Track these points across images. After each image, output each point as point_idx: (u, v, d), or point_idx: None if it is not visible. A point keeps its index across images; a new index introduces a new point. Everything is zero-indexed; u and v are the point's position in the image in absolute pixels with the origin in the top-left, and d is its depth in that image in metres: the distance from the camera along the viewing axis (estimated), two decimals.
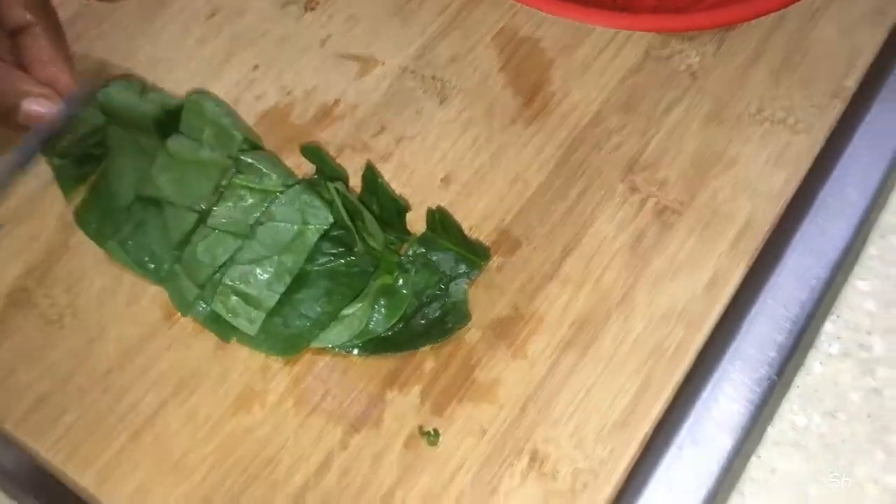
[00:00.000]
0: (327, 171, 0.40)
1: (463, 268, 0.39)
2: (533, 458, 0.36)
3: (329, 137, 0.44)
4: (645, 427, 0.36)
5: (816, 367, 0.42)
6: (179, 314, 0.38)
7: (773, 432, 0.40)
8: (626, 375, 0.37)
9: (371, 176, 0.40)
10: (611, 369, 0.38)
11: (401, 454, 0.36)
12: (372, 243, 0.38)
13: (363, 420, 0.36)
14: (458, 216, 0.41)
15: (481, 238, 0.40)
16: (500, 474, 0.35)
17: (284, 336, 0.37)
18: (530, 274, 0.40)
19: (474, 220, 0.41)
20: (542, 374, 0.37)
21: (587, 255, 0.40)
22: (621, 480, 0.36)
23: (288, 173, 0.40)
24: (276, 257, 0.38)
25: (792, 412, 0.41)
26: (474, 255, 0.39)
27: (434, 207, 0.40)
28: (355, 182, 0.42)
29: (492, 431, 0.36)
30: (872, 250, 0.45)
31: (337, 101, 0.44)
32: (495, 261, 0.40)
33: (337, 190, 0.37)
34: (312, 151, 0.39)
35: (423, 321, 0.38)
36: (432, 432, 0.36)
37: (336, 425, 0.36)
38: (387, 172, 0.42)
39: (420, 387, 0.37)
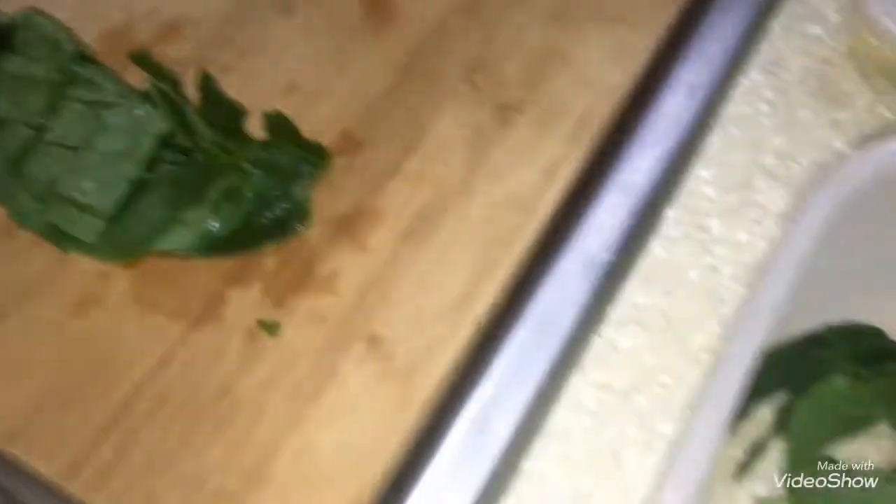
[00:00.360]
0: (157, 77, 0.40)
1: (304, 169, 0.40)
2: (371, 342, 0.37)
3: (173, 54, 0.44)
4: (482, 306, 0.38)
5: (658, 249, 0.43)
6: (18, 229, 0.38)
7: (614, 312, 0.42)
8: (463, 261, 0.39)
9: (206, 83, 0.40)
10: (449, 256, 0.39)
11: (241, 346, 0.36)
12: (208, 147, 0.39)
13: (204, 317, 0.37)
14: (303, 123, 0.41)
15: (325, 142, 0.41)
16: (339, 359, 0.36)
17: (124, 243, 0.38)
18: (372, 173, 0.41)
19: (318, 126, 0.42)
20: (382, 264, 0.38)
21: (429, 152, 0.41)
22: (459, 357, 0.37)
23: (123, 85, 0.40)
24: (112, 166, 0.38)
25: (633, 292, 0.42)
26: (315, 156, 0.40)
27: (271, 111, 0.40)
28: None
29: (332, 320, 0.37)
30: (715, 140, 0.47)
31: (180, 18, 0.45)
32: (339, 162, 0.41)
33: (161, 91, 0.38)
34: (141, 57, 0.40)
35: (264, 222, 0.39)
36: (272, 324, 0.37)
37: (176, 323, 0.37)
38: (232, 84, 0.42)
39: (261, 283, 0.38)
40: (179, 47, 0.44)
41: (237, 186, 0.39)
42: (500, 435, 0.38)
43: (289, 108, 0.42)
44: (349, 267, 0.38)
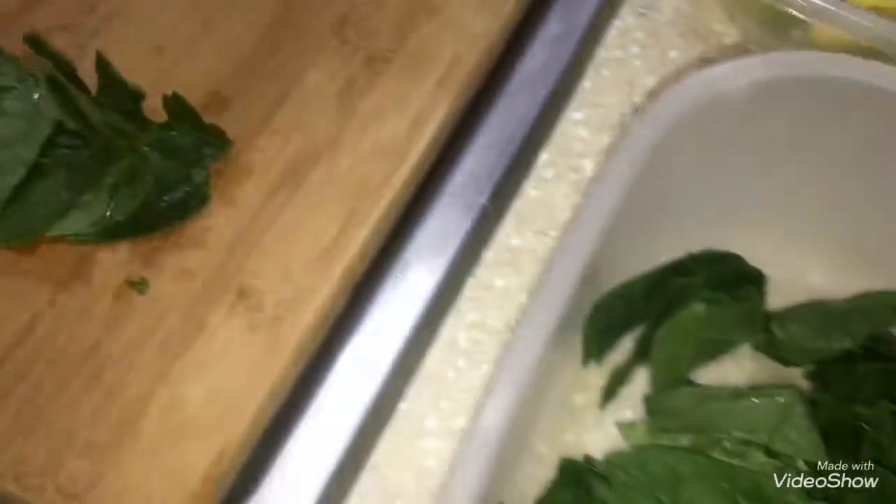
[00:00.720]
0: (52, 61, 0.40)
1: (206, 152, 0.40)
2: (240, 294, 0.37)
3: (39, 20, 0.43)
4: (350, 254, 0.38)
5: (531, 192, 0.44)
6: None
7: (489, 254, 0.43)
8: (331, 211, 0.39)
9: (102, 65, 0.40)
10: (318, 207, 0.39)
11: (109, 306, 0.37)
12: (103, 130, 0.38)
13: (71, 279, 0.37)
14: (171, 84, 0.41)
15: (193, 101, 0.41)
16: (208, 312, 0.37)
17: (20, 227, 0.37)
18: (241, 129, 0.41)
19: (186, 86, 0.41)
20: (251, 217, 0.39)
21: (297, 106, 0.42)
22: (329, 305, 0.38)
23: (20, 69, 0.39)
24: (9, 151, 0.37)
25: (507, 234, 0.43)
26: (216, 139, 0.40)
27: (169, 94, 0.39)
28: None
29: (201, 275, 0.37)
30: (587, 83, 0.48)
31: None
32: (207, 120, 0.41)
33: (50, 78, 0.37)
34: (35, 41, 0.39)
35: (163, 206, 0.39)
36: (140, 281, 0.37)
37: (44, 286, 0.37)
38: (99, 50, 0.42)
39: (129, 243, 0.38)
40: (45, 13, 0.43)
41: (136, 170, 0.39)
42: (376, 378, 0.39)
43: (157, 70, 0.42)
44: (218, 222, 0.39)
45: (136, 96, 0.41)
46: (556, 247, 0.41)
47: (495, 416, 0.27)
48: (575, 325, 0.39)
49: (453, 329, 0.41)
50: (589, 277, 0.32)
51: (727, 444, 0.34)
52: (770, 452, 0.34)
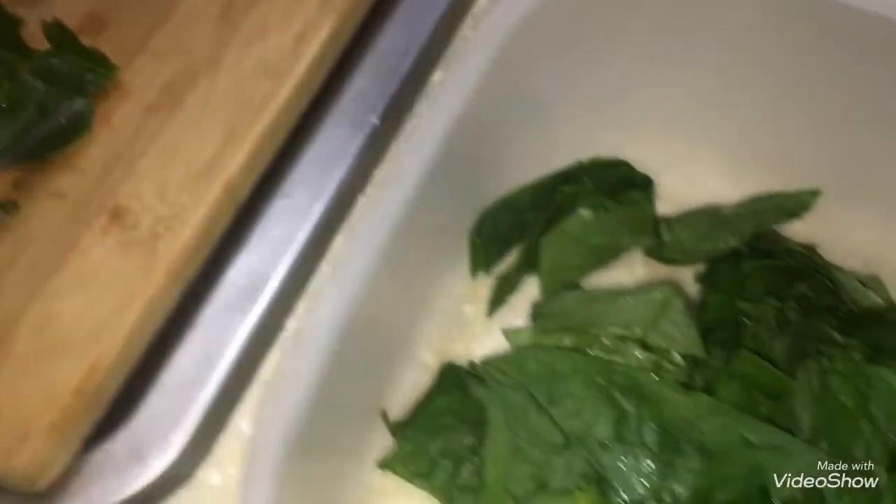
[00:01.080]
0: None
1: (89, 79, 0.39)
2: (114, 214, 0.36)
3: None
4: (229, 172, 0.38)
5: (425, 110, 0.44)
6: None
7: (379, 173, 0.42)
8: (211, 131, 0.38)
9: None
10: (197, 126, 0.38)
11: None
12: None
13: None
14: (45, 7, 0.40)
15: (69, 24, 0.40)
16: (80, 232, 0.36)
17: None
18: (117, 51, 0.40)
19: (62, 9, 0.40)
20: (127, 138, 0.38)
21: (176, 27, 0.41)
22: (208, 224, 0.37)
23: None
24: None
25: (399, 153, 0.43)
26: (99, 66, 0.39)
27: (49, 20, 0.39)
28: None
29: (73, 196, 0.37)
30: (483, 1, 0.47)
31: None
32: (83, 42, 0.40)
33: None
34: None
35: (44, 134, 0.38)
36: (9, 204, 0.36)
37: None
38: None
39: None
40: None
41: (15, 98, 0.38)
42: (265, 295, 0.38)
43: None
44: (92, 144, 0.38)
45: (14, 23, 0.40)
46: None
47: (325, 311, 0.26)
48: (462, 235, 0.38)
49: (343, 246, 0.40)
50: (454, 178, 0.31)
51: (606, 342, 0.34)
52: (646, 347, 0.34)
